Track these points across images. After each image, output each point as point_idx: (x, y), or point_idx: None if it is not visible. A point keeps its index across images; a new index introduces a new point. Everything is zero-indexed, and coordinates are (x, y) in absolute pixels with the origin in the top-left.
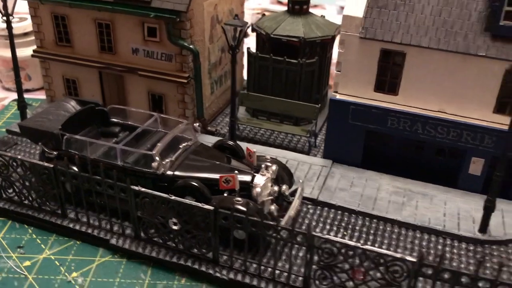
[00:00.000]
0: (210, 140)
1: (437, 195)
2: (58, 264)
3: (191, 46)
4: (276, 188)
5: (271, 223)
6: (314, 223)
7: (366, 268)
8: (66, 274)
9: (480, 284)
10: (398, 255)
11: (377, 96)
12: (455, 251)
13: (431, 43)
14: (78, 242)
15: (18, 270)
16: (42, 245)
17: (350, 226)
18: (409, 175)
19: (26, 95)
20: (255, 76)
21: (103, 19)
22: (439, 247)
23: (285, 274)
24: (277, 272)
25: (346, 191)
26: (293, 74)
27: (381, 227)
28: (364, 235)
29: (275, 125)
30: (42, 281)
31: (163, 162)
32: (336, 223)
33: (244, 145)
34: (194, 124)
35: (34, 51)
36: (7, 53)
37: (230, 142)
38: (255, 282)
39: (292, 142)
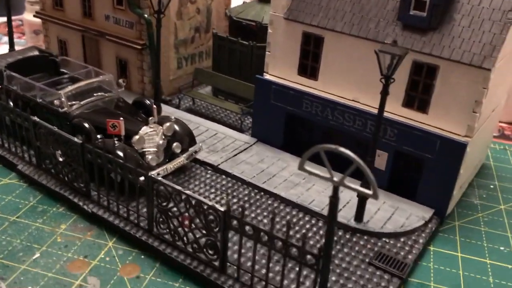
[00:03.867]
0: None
1: None
2: None
3: (145, 15)
4: (161, 141)
5: (119, 160)
6: (202, 185)
7: (192, 215)
8: None
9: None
10: (210, 203)
11: (300, 79)
12: (321, 232)
13: (345, 28)
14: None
15: None
16: None
17: (234, 194)
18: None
19: None
20: (216, 55)
21: None
22: (307, 226)
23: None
24: (133, 213)
25: (250, 165)
26: (246, 56)
27: (263, 199)
28: (241, 203)
29: (218, 101)
30: None
31: (69, 103)
32: (223, 189)
33: (187, 116)
34: (119, 80)
35: (36, 12)
36: (30, 17)
37: (146, 101)
38: (111, 219)
39: (237, 121)
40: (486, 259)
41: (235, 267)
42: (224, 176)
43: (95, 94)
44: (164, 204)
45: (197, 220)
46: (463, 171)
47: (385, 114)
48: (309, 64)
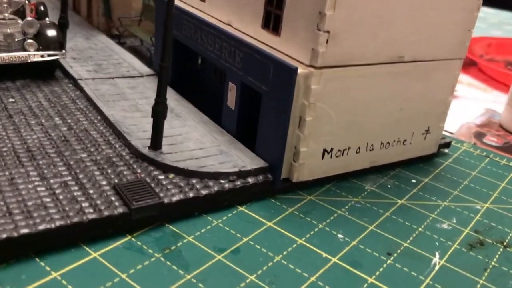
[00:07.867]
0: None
1: (187, 121)
2: None
3: None
4: (9, 31)
5: None
6: (48, 92)
7: None
8: None
9: None
10: None
11: (195, 2)
12: (109, 150)
13: None
14: None
15: None
16: None
17: (71, 107)
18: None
19: None
20: None
21: None
22: (99, 140)
23: None
24: None
25: (115, 87)
26: None
27: (89, 115)
28: (65, 116)
29: (137, 31)
30: None
31: None
32: (59, 99)
33: (115, 47)
34: None
35: None
36: None
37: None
38: None
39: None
40: (302, 239)
41: None
42: (79, 92)
43: None
44: None
45: None
46: (312, 120)
47: (242, 36)
48: None
